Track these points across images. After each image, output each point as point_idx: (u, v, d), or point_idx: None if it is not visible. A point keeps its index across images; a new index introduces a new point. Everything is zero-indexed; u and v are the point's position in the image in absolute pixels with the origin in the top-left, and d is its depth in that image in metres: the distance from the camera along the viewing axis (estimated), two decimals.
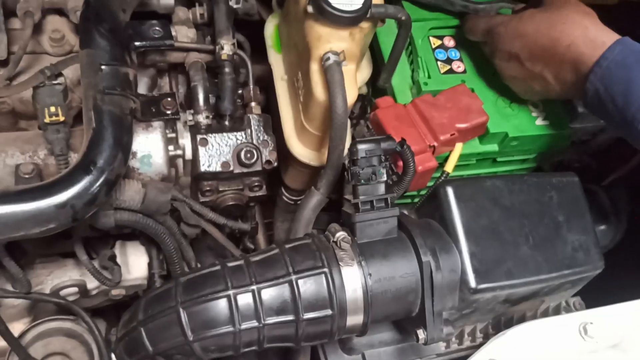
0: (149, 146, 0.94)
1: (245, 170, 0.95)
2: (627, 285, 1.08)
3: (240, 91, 1.01)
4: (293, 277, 0.78)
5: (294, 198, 1.16)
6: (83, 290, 0.98)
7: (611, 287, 1.18)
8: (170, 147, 0.97)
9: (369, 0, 0.90)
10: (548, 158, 1.19)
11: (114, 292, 1.02)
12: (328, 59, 0.89)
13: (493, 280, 0.84)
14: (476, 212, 0.87)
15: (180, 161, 0.97)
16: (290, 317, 0.77)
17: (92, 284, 0.99)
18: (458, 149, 1.03)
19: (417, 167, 0.97)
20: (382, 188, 0.84)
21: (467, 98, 1.03)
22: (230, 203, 0.99)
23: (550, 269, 0.88)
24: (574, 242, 0.91)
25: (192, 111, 0.95)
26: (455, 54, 1.11)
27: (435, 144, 0.99)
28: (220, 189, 0.98)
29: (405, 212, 0.93)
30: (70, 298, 0.98)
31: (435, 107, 1.02)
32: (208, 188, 0.98)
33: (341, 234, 0.80)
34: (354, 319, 0.80)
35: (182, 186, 1.00)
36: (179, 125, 0.97)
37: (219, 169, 0.94)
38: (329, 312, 0.78)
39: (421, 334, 0.83)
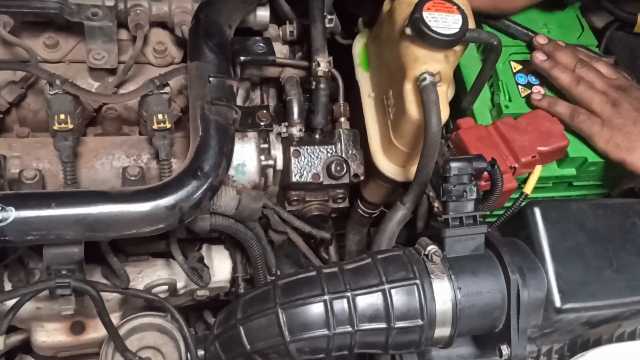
0: (243, 155, 0.99)
1: (333, 182, 0.99)
2: None
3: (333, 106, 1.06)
4: (386, 286, 0.81)
5: (369, 211, 1.20)
6: (172, 289, 1.03)
7: None
8: (263, 157, 1.02)
9: (466, 25, 0.94)
10: (619, 185, 1.20)
11: (199, 292, 1.07)
12: (424, 79, 0.92)
13: (577, 301, 0.86)
14: (562, 234, 0.89)
15: (270, 171, 1.02)
16: (382, 325, 0.81)
17: (180, 283, 1.04)
18: (537, 171, 1.05)
19: None
20: (471, 205, 0.87)
21: (548, 122, 1.06)
22: (315, 213, 1.03)
23: (632, 293, 0.89)
24: None
25: (286, 123, 1.00)
26: (535, 78, 1.14)
27: (517, 165, 1.02)
28: (307, 199, 1.02)
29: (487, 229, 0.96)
30: (161, 296, 1.03)
31: (516, 130, 1.04)
32: (295, 198, 1.02)
33: (432, 248, 0.84)
34: (442, 331, 0.83)
35: (270, 195, 1.05)
36: (272, 137, 1.02)
37: (309, 179, 0.98)
38: (419, 322, 0.81)
39: (505, 349, 0.86)
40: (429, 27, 0.92)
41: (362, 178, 1.01)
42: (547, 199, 1.05)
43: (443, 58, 0.95)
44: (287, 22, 1.14)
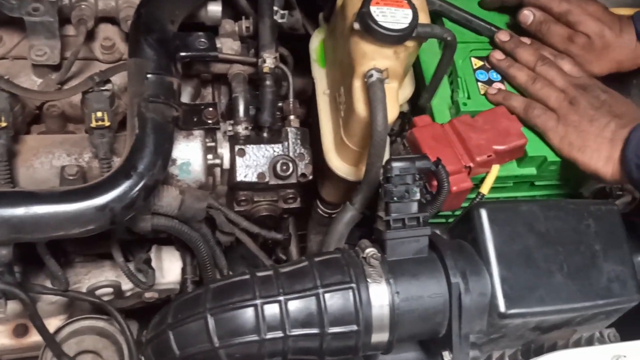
0: (188, 154, 0.97)
1: (280, 182, 0.96)
2: None
3: (280, 104, 1.03)
4: (320, 290, 0.78)
5: (329, 211, 1.17)
6: (118, 291, 1.01)
7: None
8: (210, 156, 0.99)
9: (415, 19, 0.91)
10: (589, 184, 1.17)
11: (147, 294, 1.05)
12: (371, 75, 0.89)
13: (523, 306, 0.83)
14: (510, 237, 0.86)
15: (218, 170, 0.99)
16: (315, 330, 0.78)
17: (126, 285, 1.01)
18: (495, 171, 1.02)
19: (451, 188, 0.97)
20: (414, 207, 0.84)
21: (506, 120, 1.03)
22: (265, 214, 1.00)
23: (583, 299, 0.86)
24: (610, 272, 0.89)
25: (232, 121, 0.97)
26: (496, 75, 1.11)
27: (472, 164, 0.99)
28: (255, 200, 1.00)
29: (438, 232, 0.93)
30: (106, 298, 1.01)
31: (473, 128, 1.01)
32: (243, 198, 0.99)
33: (371, 251, 0.81)
34: (379, 336, 0.80)
35: (219, 195, 1.02)
36: (219, 135, 0.99)
37: (254, 179, 0.95)
38: (354, 327, 0.78)
39: (447, 356, 0.83)
40: (376, 22, 0.89)
41: (310, 178, 0.98)
42: (505, 199, 1.01)
43: (392, 54, 0.92)
44: (244, 17, 1.11)
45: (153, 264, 1.05)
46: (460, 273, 0.82)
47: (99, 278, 1.02)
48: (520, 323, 0.85)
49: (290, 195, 1.01)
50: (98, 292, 0.99)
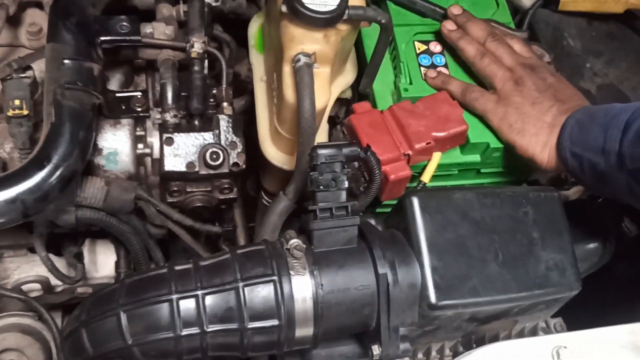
0: (115, 143, 0.93)
1: (211, 171, 0.93)
2: (619, 308, 1.03)
3: (215, 91, 0.99)
4: (240, 284, 0.75)
5: None
6: (47, 287, 0.97)
7: (601, 310, 1.13)
8: (140, 145, 0.96)
9: (345, 1, 0.87)
10: (543, 171, 1.14)
11: (80, 290, 1.01)
12: (298, 60, 0.86)
13: (455, 297, 0.80)
14: (442, 225, 0.83)
15: (148, 160, 0.96)
16: (234, 326, 0.75)
17: (56, 280, 0.98)
18: (436, 158, 0.99)
19: (389, 176, 0.94)
20: (343, 195, 0.81)
21: (447, 106, 0.99)
22: (198, 204, 0.97)
23: (519, 288, 0.84)
24: (549, 261, 0.86)
25: (160, 109, 0.94)
26: (440, 59, 1.07)
27: (410, 152, 0.96)
28: (188, 190, 0.96)
29: (373, 222, 0.90)
30: (35, 294, 0.97)
31: (412, 115, 0.98)
32: (175, 188, 0.96)
33: (295, 242, 0.77)
34: (304, 331, 0.77)
35: (151, 186, 0.99)
36: (149, 124, 0.95)
37: (183, 169, 0.92)
38: (275, 322, 0.75)
39: (376, 349, 0.80)
40: (302, 4, 0.85)
41: (243, 167, 0.94)
42: (437, 188, 0.98)
43: (322, 38, 0.88)
44: (182, 1, 1.07)
45: (86, 257, 1.02)
46: (388, 263, 0.79)
47: (29, 273, 0.98)
48: (452, 314, 0.82)
49: (226, 186, 0.98)
50: (25, 287, 0.96)
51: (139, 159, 0.95)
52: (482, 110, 0.99)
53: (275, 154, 0.98)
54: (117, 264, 1.01)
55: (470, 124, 1.00)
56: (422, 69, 1.06)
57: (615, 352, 0.84)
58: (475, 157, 1.03)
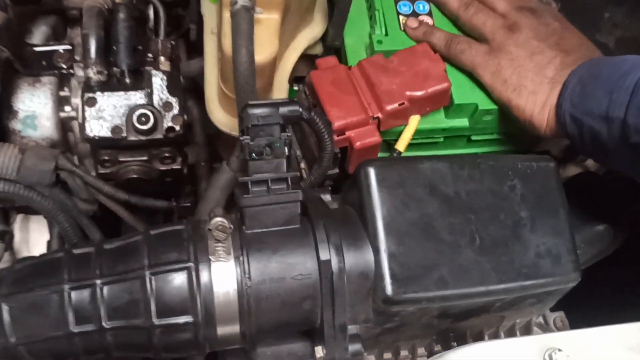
0: (34, 105, 0.80)
1: (142, 138, 0.79)
2: (636, 303, 0.87)
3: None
4: (147, 272, 0.62)
5: None
6: None
7: (615, 304, 0.97)
8: (67, 108, 0.83)
9: None
10: (544, 137, 0.98)
11: None
12: (235, 3, 0.71)
13: (416, 290, 0.65)
14: (404, 202, 0.67)
15: (76, 125, 0.83)
16: (139, 322, 0.61)
17: None
18: (413, 123, 0.84)
19: (354, 143, 0.80)
20: (282, 165, 0.67)
21: (427, 61, 0.83)
22: (133, 176, 0.83)
23: (500, 279, 0.68)
24: (539, 246, 0.70)
25: (82, 64, 0.80)
26: (423, 6, 0.91)
27: (380, 115, 0.81)
28: (121, 160, 0.83)
29: (329, 197, 0.75)
30: None
31: (384, 71, 0.83)
32: (106, 158, 0.83)
33: (218, 221, 0.63)
34: (228, 329, 0.64)
35: (82, 155, 0.86)
36: (74, 83, 0.82)
37: (108, 134, 0.78)
38: (189, 318, 0.62)
39: (319, 351, 0.66)
40: None
41: (180, 132, 0.80)
42: (401, 156, 0.83)
43: None
44: None
45: (17, 236, 0.90)
46: (334, 248, 0.64)
47: None
48: (415, 310, 0.67)
49: (166, 154, 0.84)
50: None
51: (64, 124, 0.82)
52: (470, 65, 0.83)
53: (222, 117, 0.84)
54: (49, 243, 0.89)
55: (455, 82, 0.84)
56: (401, 17, 0.90)
57: (623, 356, 0.69)
58: (463, 122, 0.87)
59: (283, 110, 0.66)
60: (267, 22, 0.75)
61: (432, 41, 0.85)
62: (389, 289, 0.64)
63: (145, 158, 0.83)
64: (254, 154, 0.65)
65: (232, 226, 0.64)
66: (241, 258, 0.63)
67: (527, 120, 0.78)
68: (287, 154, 0.66)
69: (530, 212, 0.71)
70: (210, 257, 0.63)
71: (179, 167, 0.86)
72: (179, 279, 0.62)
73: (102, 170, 0.84)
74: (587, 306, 0.92)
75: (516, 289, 0.69)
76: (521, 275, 0.69)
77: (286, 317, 0.65)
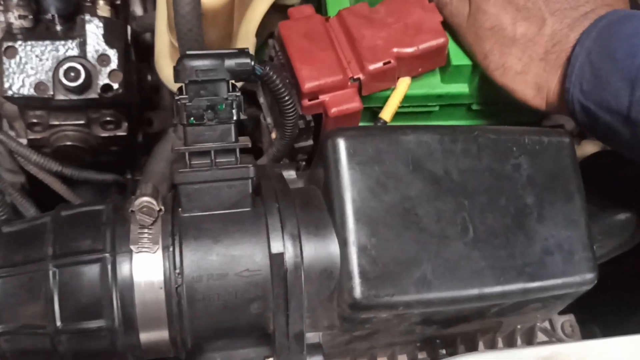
0: None
1: (73, 97, 0.66)
2: None
3: None
4: (50, 263, 0.49)
5: None
6: None
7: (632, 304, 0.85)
8: None
9: None
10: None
11: None
12: None
13: (391, 293, 0.52)
14: (380, 182, 0.54)
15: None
16: (39, 325, 0.49)
17: None
18: (402, 87, 0.70)
19: (329, 110, 0.67)
20: (230, 133, 0.53)
21: (420, 10, 0.69)
22: (67, 143, 0.70)
23: (498, 280, 0.55)
24: (548, 239, 0.57)
25: (1, 8, 0.66)
26: None
27: (361, 76, 0.67)
28: (52, 123, 0.70)
29: (293, 174, 0.62)
30: None
31: (369, 23, 0.69)
32: (35, 120, 0.69)
33: (143, 201, 0.50)
34: (154, 335, 0.51)
35: (9, 116, 0.73)
36: None
37: (31, 92, 0.65)
38: (102, 322, 0.49)
39: None
40: None
41: (119, 90, 0.67)
42: (380, 125, 0.69)
43: None
44: None
45: None
46: (290, 238, 0.51)
47: None
48: (390, 317, 0.54)
49: (108, 119, 0.71)
50: None
51: None
52: (451, 23, 0.69)
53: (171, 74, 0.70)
54: None
55: (453, 37, 0.70)
56: None
57: None
58: (462, 87, 0.73)
59: (230, 62, 0.52)
60: None
61: None
62: (357, 290, 0.51)
63: (82, 122, 0.70)
64: (192, 118, 0.52)
65: (162, 208, 0.51)
66: (171, 248, 0.50)
67: (520, 100, 0.64)
68: (235, 118, 0.53)
69: (538, 197, 0.58)
70: (132, 247, 0.50)
71: (124, 133, 0.73)
72: (90, 273, 0.49)
73: (31, 136, 0.71)
74: (600, 306, 0.79)
75: (518, 292, 0.56)
76: (524, 275, 0.56)
77: (229, 322, 0.53)
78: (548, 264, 0.57)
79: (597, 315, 0.83)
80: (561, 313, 0.73)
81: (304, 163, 0.78)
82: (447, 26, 0.70)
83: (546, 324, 0.73)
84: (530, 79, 0.63)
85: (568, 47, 0.61)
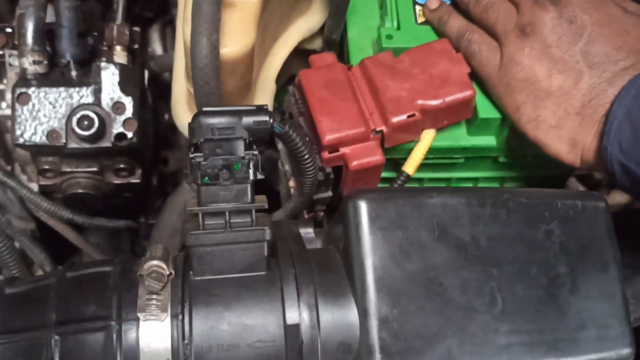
0: None
1: (85, 145, 0.64)
2: None
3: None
4: (52, 332, 0.46)
5: None
6: None
7: None
8: (3, 105, 0.68)
9: None
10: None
11: None
12: None
13: None
14: (403, 249, 0.51)
15: (9, 124, 0.68)
16: None
17: None
18: (426, 139, 0.67)
19: (350, 163, 0.64)
20: (246, 193, 0.51)
21: (446, 61, 0.67)
22: (79, 191, 0.68)
23: (528, 356, 0.51)
24: (582, 312, 0.53)
25: (15, 51, 0.65)
26: None
27: (384, 128, 0.64)
28: (64, 170, 0.68)
29: (311, 234, 0.59)
30: None
31: (392, 73, 0.66)
32: (47, 167, 0.68)
33: (153, 265, 0.48)
34: None
35: (22, 162, 0.71)
36: (11, 74, 0.67)
37: (43, 140, 0.63)
38: None
39: None
40: None
41: (133, 139, 0.65)
42: (404, 187, 0.66)
43: None
44: None
45: None
46: (306, 307, 0.48)
47: None
48: None
49: (122, 166, 0.69)
50: None
51: None
52: (480, 74, 0.66)
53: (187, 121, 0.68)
54: None
55: (481, 90, 0.67)
56: (417, 8, 0.73)
57: None
58: (489, 140, 0.70)
59: (247, 120, 0.50)
60: (242, 6, 0.59)
61: (446, 32, 0.68)
62: None
63: (95, 169, 0.68)
64: (207, 178, 0.50)
65: (172, 272, 0.49)
66: (180, 316, 0.48)
67: (553, 156, 0.61)
68: (252, 178, 0.50)
69: (572, 266, 0.54)
70: (139, 315, 0.47)
71: (137, 180, 0.70)
72: (94, 342, 0.46)
73: (43, 182, 0.69)
74: None
75: None
76: (556, 351, 0.52)
77: None
78: (581, 340, 0.53)
79: None
80: None
81: (322, 214, 0.75)
82: (475, 77, 0.68)
83: None
84: (565, 133, 0.60)
85: (606, 102, 0.58)
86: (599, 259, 0.55)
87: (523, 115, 0.61)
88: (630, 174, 0.55)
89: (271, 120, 0.50)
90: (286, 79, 0.80)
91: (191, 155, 0.50)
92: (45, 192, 0.69)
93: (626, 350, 0.54)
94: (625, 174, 0.55)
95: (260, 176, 0.51)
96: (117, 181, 0.70)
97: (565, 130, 0.59)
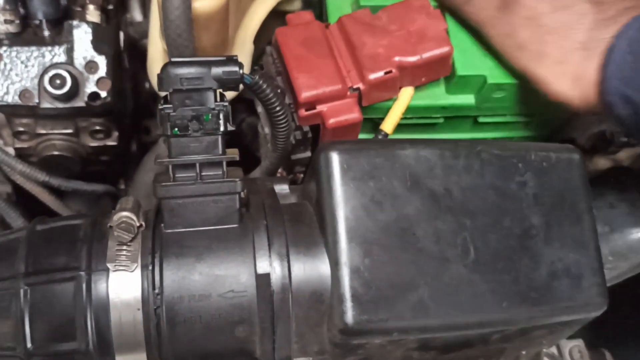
0: None
1: (59, 105, 0.63)
2: None
3: None
4: (21, 282, 0.46)
5: None
6: None
7: None
8: None
9: None
10: (580, 124, 0.81)
11: None
12: None
13: (386, 318, 0.49)
14: (376, 199, 0.51)
15: None
16: (8, 347, 0.46)
17: None
18: (404, 97, 0.67)
19: (327, 121, 0.64)
20: (217, 145, 0.50)
21: (424, 17, 0.66)
22: (55, 153, 0.68)
23: (500, 305, 0.51)
24: (555, 262, 0.54)
25: None
26: None
27: (361, 85, 0.64)
28: (39, 132, 0.67)
29: (286, 189, 0.59)
30: None
31: (370, 30, 0.66)
32: (21, 129, 0.67)
33: (122, 216, 0.48)
34: (130, 359, 0.48)
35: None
36: None
37: (15, 99, 0.62)
38: (74, 345, 0.46)
39: None
40: None
41: (108, 99, 0.64)
42: (375, 139, 0.66)
43: None
44: None
45: None
46: (277, 257, 0.48)
47: None
48: (385, 343, 0.51)
49: (97, 127, 0.68)
50: None
51: None
52: (476, 19, 0.66)
53: None
54: None
55: (459, 46, 0.67)
56: None
57: None
58: (468, 98, 0.70)
59: (217, 70, 0.49)
60: None
61: None
62: (349, 315, 0.48)
63: (70, 131, 0.68)
64: (176, 129, 0.49)
65: (142, 224, 0.48)
66: (150, 267, 0.47)
67: (553, 94, 0.61)
68: (222, 129, 0.50)
69: (545, 217, 0.54)
70: (109, 265, 0.47)
71: (114, 143, 0.70)
72: (63, 292, 0.46)
73: (18, 144, 0.68)
74: (612, 329, 0.75)
75: (521, 318, 0.53)
76: (529, 300, 0.52)
77: (212, 346, 0.50)
78: (554, 289, 0.53)
79: (608, 339, 0.79)
80: (570, 338, 0.70)
81: (302, 175, 0.75)
82: (452, 34, 0.67)
83: (553, 349, 0.69)
84: (569, 68, 0.60)
85: (609, 37, 0.58)
86: (572, 210, 0.55)
87: (527, 52, 0.61)
88: (632, 103, 0.55)
89: (241, 71, 0.50)
90: (265, 42, 0.79)
91: (160, 107, 0.49)
92: (21, 155, 0.69)
93: (599, 301, 0.55)
94: (625, 102, 0.55)
95: (230, 127, 0.50)
96: (93, 143, 0.70)
97: (569, 65, 0.59)
